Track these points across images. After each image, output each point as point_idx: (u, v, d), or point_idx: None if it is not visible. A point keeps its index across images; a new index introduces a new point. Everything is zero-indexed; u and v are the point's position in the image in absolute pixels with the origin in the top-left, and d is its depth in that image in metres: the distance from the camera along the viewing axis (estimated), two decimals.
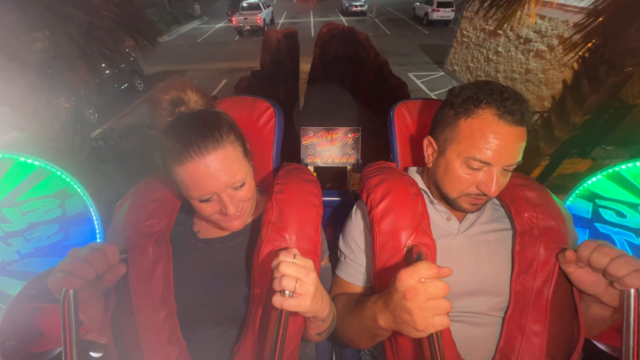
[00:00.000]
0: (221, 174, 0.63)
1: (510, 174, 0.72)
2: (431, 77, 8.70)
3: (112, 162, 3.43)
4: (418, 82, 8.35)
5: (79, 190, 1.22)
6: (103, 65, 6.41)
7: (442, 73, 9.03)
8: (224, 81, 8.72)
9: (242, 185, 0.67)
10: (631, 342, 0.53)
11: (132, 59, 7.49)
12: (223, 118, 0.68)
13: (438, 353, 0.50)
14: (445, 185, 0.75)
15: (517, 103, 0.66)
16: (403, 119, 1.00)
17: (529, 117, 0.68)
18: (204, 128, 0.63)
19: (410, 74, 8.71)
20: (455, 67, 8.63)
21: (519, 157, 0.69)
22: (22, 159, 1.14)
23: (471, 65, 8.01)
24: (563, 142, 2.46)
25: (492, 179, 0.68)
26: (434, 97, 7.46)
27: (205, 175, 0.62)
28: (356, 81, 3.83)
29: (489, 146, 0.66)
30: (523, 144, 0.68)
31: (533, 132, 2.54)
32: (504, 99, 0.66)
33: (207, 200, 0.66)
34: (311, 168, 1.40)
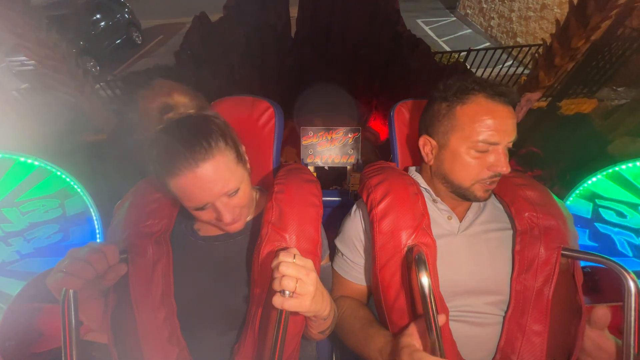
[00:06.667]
0: (213, 185, 0.61)
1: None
2: (441, 23, 8.39)
3: (117, 104, 3.64)
4: (426, 28, 8.08)
5: (79, 190, 1.22)
6: (98, 16, 6.70)
7: (454, 18, 8.66)
8: None
9: (236, 192, 0.66)
10: (631, 342, 0.54)
11: (128, 10, 7.55)
12: (213, 122, 0.65)
13: (438, 352, 0.50)
14: (456, 176, 0.76)
15: (501, 85, 0.73)
16: (403, 119, 1.00)
17: (515, 97, 0.73)
18: (192, 138, 0.60)
19: (419, 21, 8.41)
20: (468, 11, 8.27)
21: (516, 134, 0.72)
22: (22, 159, 1.14)
23: (485, 6, 7.64)
24: (566, 78, 2.30)
25: (502, 157, 0.71)
26: (442, 44, 7.30)
27: (196, 187, 0.61)
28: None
29: (491, 126, 0.70)
30: (515, 121, 0.73)
31: (534, 61, 2.39)
32: (490, 84, 0.72)
33: (202, 209, 0.65)
34: (311, 168, 1.40)
